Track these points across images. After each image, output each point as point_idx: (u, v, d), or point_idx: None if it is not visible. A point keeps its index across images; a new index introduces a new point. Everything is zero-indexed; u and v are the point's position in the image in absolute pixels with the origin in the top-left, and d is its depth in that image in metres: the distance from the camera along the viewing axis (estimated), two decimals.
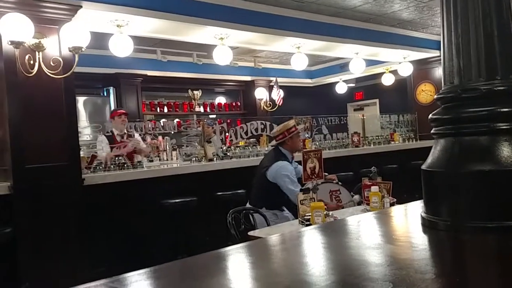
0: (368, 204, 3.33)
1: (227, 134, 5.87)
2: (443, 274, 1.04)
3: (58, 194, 3.83)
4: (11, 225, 3.56)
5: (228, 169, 5.11)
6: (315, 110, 8.68)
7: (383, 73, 8.89)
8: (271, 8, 5.51)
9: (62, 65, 3.87)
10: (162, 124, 5.81)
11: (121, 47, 4.66)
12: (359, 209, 3.51)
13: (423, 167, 1.39)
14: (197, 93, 9.15)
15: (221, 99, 10.05)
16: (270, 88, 9.45)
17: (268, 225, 3.63)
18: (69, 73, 3.90)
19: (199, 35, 5.36)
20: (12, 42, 3.52)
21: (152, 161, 5.36)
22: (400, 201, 2.89)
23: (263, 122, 5.87)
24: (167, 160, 5.75)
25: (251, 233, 3.08)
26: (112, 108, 7.74)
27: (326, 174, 3.99)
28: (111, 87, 7.99)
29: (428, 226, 1.35)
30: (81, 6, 4.02)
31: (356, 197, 3.83)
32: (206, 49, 6.73)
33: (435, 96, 1.43)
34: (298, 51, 6.27)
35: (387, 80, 8.75)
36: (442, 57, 1.40)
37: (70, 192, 3.90)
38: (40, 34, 3.77)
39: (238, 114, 9.76)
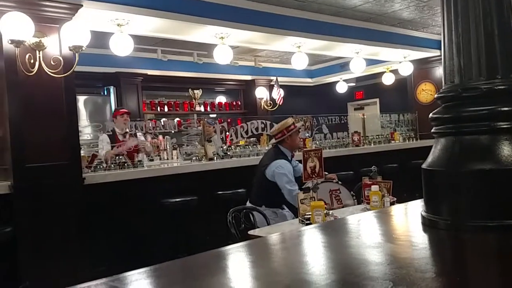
0: (368, 203, 3.33)
1: (227, 133, 5.87)
2: (444, 273, 1.04)
3: (58, 193, 3.83)
4: (12, 224, 3.56)
5: (229, 168, 5.11)
6: (315, 110, 8.69)
7: (383, 72, 8.88)
8: (272, 8, 5.51)
9: (63, 64, 3.86)
10: (162, 123, 5.81)
11: (121, 46, 4.66)
12: (359, 208, 3.52)
13: (424, 166, 1.39)
14: (198, 92, 9.15)
15: (221, 99, 10.05)
16: (270, 88, 9.45)
17: (268, 224, 3.63)
18: (69, 72, 3.90)
19: (199, 34, 5.36)
20: (13, 41, 3.52)
21: (152, 160, 5.37)
22: (400, 201, 2.89)
23: (264, 121, 5.87)
24: (167, 159, 5.75)
25: (251, 232, 3.09)
26: (113, 107, 7.76)
27: (326, 173, 3.99)
28: (112, 86, 7.99)
29: (428, 225, 1.35)
30: (81, 5, 4.02)
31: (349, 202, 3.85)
32: (206, 48, 6.73)
33: (436, 95, 1.43)
34: (299, 51, 6.27)
35: (388, 80, 8.75)
36: (442, 56, 1.40)
37: (71, 191, 3.90)
38: (40, 33, 3.77)
39: (239, 113, 9.76)
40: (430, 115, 1.42)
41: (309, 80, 10.89)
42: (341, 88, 10.12)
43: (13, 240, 3.60)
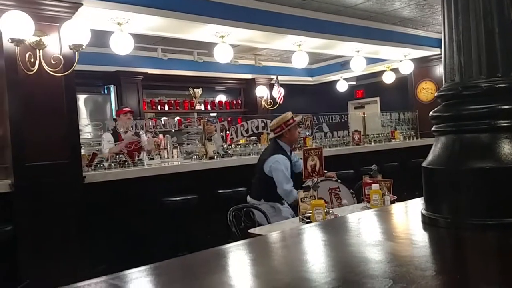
0: (368, 202, 3.34)
1: (227, 132, 5.87)
2: (444, 271, 1.04)
3: (58, 192, 3.83)
4: (12, 223, 3.56)
5: (229, 167, 5.11)
6: (315, 108, 8.69)
7: (384, 71, 8.88)
8: (272, 6, 5.50)
9: (63, 63, 3.86)
10: (162, 122, 5.81)
11: (121, 45, 4.66)
12: (360, 206, 3.52)
13: (424, 164, 1.39)
14: (198, 91, 9.14)
15: (221, 97, 10.05)
16: (270, 86, 9.44)
17: (268, 222, 3.64)
18: (69, 71, 3.90)
19: (199, 33, 5.36)
20: (13, 40, 3.52)
21: (153, 159, 5.37)
22: (401, 199, 2.89)
23: (264, 120, 5.86)
24: (167, 158, 5.75)
25: (251, 230, 3.09)
26: (113, 106, 7.77)
27: (326, 171, 3.99)
28: (112, 85, 7.99)
29: (428, 223, 1.35)
30: (81, 4, 4.02)
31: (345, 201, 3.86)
32: (206, 47, 6.73)
33: (436, 94, 1.43)
34: (299, 49, 6.27)
35: (388, 78, 8.75)
36: (443, 55, 1.40)
37: (71, 190, 3.90)
38: (40, 32, 3.77)
39: (239, 112, 9.76)
40: (431, 113, 1.41)
41: (309, 78, 10.89)
42: (342, 86, 10.12)
43: (13, 239, 3.60)
